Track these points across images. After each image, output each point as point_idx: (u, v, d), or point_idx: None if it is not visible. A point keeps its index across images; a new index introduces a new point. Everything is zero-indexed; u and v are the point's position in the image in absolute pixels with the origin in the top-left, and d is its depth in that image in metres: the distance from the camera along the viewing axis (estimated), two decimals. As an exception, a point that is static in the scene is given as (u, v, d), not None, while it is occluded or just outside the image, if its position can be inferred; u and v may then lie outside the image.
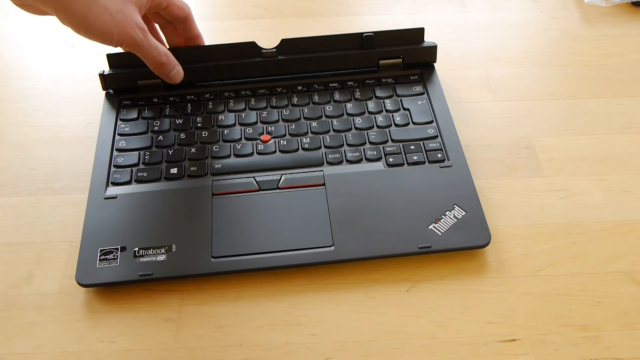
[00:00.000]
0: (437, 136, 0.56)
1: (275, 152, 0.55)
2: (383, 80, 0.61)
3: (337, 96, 0.59)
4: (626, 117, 0.60)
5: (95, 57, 0.66)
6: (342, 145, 0.55)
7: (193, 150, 0.55)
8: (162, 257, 0.48)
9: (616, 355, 0.44)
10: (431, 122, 0.57)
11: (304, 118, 0.58)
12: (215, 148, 0.55)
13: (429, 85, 0.60)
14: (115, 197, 0.52)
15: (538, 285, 0.48)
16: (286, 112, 0.58)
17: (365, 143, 0.55)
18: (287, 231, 0.49)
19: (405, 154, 0.54)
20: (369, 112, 0.58)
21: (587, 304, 0.46)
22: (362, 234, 0.49)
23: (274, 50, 0.60)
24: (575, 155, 0.56)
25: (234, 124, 0.57)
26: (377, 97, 0.59)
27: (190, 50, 0.59)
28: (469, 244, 0.48)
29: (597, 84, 0.63)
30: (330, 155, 0.54)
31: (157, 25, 0.59)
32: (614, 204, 0.53)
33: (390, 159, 0.54)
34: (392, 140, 0.55)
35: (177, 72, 0.56)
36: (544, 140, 0.58)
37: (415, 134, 0.56)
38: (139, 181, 0.53)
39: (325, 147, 0.55)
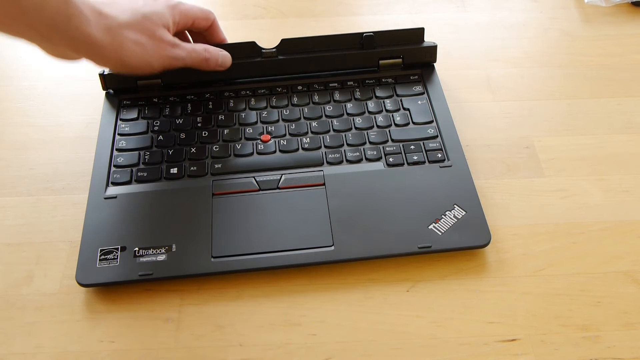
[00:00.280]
0: (437, 136, 0.56)
1: (275, 152, 0.55)
2: (383, 80, 0.61)
3: (337, 96, 0.59)
4: (626, 117, 0.60)
5: (95, 57, 0.66)
6: (342, 145, 0.55)
7: (193, 150, 0.55)
8: (162, 257, 0.48)
9: (616, 355, 0.44)
10: (431, 122, 0.57)
11: (304, 118, 0.58)
12: (215, 148, 0.55)
13: (429, 85, 0.60)
14: (115, 197, 0.52)
15: (538, 285, 0.48)
16: (286, 112, 0.58)
17: (365, 143, 0.55)
18: (287, 231, 0.49)
19: (405, 154, 0.54)
20: (369, 112, 0.58)
21: (587, 304, 0.46)
22: (362, 234, 0.49)
23: (274, 50, 0.60)
24: (575, 155, 0.56)
25: (234, 124, 0.57)
26: (377, 97, 0.59)
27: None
28: (469, 244, 0.48)
29: (597, 84, 0.63)
30: (330, 155, 0.54)
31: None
32: (614, 204, 0.53)
33: (390, 159, 0.54)
34: (392, 140, 0.55)
35: (223, 57, 0.57)
36: (544, 140, 0.58)
37: (415, 134, 0.56)
38: (139, 181, 0.53)
39: (325, 147, 0.55)
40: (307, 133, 0.56)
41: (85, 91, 0.63)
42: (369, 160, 0.54)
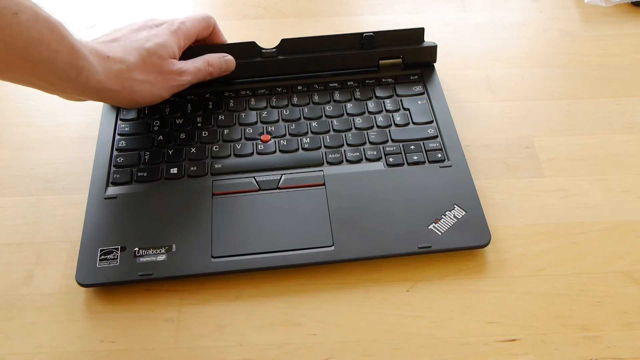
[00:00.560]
0: (437, 136, 0.56)
1: (275, 152, 0.55)
2: (383, 80, 0.61)
3: (337, 96, 0.59)
4: (626, 117, 0.60)
5: (95, 57, 0.66)
6: (342, 145, 0.55)
7: (193, 150, 0.55)
8: (162, 257, 0.48)
9: (616, 355, 0.44)
10: (431, 122, 0.57)
11: (304, 118, 0.58)
12: (215, 148, 0.55)
13: (429, 85, 0.60)
14: (115, 197, 0.52)
15: (538, 285, 0.48)
16: (286, 112, 0.58)
17: (365, 143, 0.55)
18: (287, 231, 0.49)
19: (405, 154, 0.54)
20: (369, 112, 0.58)
21: (587, 304, 0.46)
22: (362, 234, 0.49)
23: (274, 50, 0.60)
24: (575, 155, 0.56)
25: (234, 124, 0.57)
26: (377, 97, 0.59)
27: (189, 50, 0.59)
28: (469, 244, 0.48)
29: (597, 84, 0.63)
30: (330, 155, 0.54)
31: None
32: (614, 204, 0.53)
33: (390, 159, 0.54)
34: (392, 140, 0.55)
35: (227, 63, 0.58)
36: (544, 140, 0.58)
37: (415, 134, 0.56)
38: (139, 181, 0.53)
39: (325, 147, 0.55)
40: (307, 133, 0.56)
41: (85, 91, 0.63)
42: (369, 160, 0.54)
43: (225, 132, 0.57)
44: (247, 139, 0.56)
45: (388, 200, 0.51)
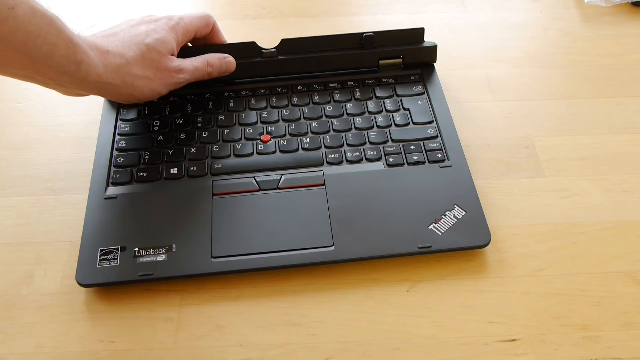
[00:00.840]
0: (437, 136, 0.56)
1: (275, 152, 0.55)
2: (383, 80, 0.61)
3: (337, 96, 0.59)
4: (626, 117, 0.60)
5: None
6: (342, 145, 0.55)
7: (193, 150, 0.55)
8: (162, 257, 0.48)
9: (616, 355, 0.44)
10: (431, 122, 0.57)
11: (304, 118, 0.58)
12: (215, 148, 0.55)
13: (429, 85, 0.60)
14: (115, 197, 0.52)
15: (538, 285, 0.48)
16: (286, 112, 0.58)
17: (365, 143, 0.55)
18: (287, 231, 0.49)
19: (405, 154, 0.54)
20: (369, 112, 0.58)
21: (587, 304, 0.46)
22: (362, 234, 0.49)
23: (274, 50, 0.60)
24: (575, 155, 0.56)
25: (234, 124, 0.57)
26: (377, 97, 0.59)
27: (189, 50, 0.59)
28: (469, 244, 0.48)
29: (597, 84, 0.63)
30: (330, 155, 0.54)
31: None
32: (614, 204, 0.53)
33: (390, 159, 0.54)
34: (392, 140, 0.55)
35: (227, 65, 0.58)
36: (544, 140, 0.58)
37: (415, 134, 0.56)
38: (139, 181, 0.53)
39: (325, 147, 0.55)
40: (307, 133, 0.56)
41: (85, 91, 0.63)
42: (369, 160, 0.54)
43: (225, 132, 0.57)
44: (247, 139, 0.56)
45: (388, 200, 0.51)
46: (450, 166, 0.53)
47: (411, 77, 0.61)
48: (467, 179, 0.52)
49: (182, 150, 0.55)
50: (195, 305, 0.47)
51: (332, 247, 0.48)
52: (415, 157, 0.54)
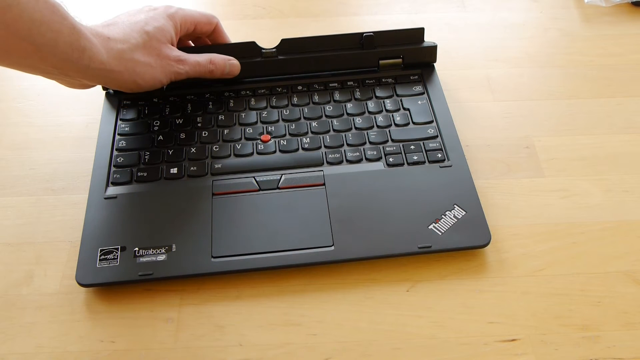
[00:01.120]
0: (437, 136, 0.56)
1: (275, 152, 0.55)
2: (383, 80, 0.61)
3: (337, 96, 0.59)
4: (626, 117, 0.60)
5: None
6: (342, 145, 0.55)
7: (193, 150, 0.55)
8: (162, 257, 0.48)
9: (616, 355, 0.44)
10: (431, 122, 0.57)
11: (304, 118, 0.58)
12: (215, 148, 0.55)
13: (429, 85, 0.60)
14: (115, 197, 0.52)
15: (538, 285, 0.48)
16: (286, 112, 0.58)
17: (365, 143, 0.55)
18: (287, 231, 0.49)
19: (405, 154, 0.54)
20: (369, 112, 0.58)
21: (587, 304, 0.46)
22: (362, 234, 0.49)
23: (274, 50, 0.60)
24: (575, 155, 0.56)
25: (234, 124, 0.57)
26: (377, 97, 0.59)
27: (189, 50, 0.59)
28: (469, 244, 0.48)
29: (597, 84, 0.63)
30: (330, 155, 0.54)
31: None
32: (614, 204, 0.53)
33: (390, 159, 0.54)
34: (392, 140, 0.55)
35: (231, 67, 0.58)
36: (544, 140, 0.58)
37: (415, 133, 0.56)
38: (139, 181, 0.53)
39: (325, 147, 0.55)
40: (307, 133, 0.56)
41: (85, 91, 0.63)
42: (369, 160, 0.54)
43: (225, 132, 0.57)
44: (247, 139, 0.56)
45: (388, 200, 0.51)
46: (450, 166, 0.53)
47: (411, 77, 0.61)
48: (467, 179, 0.52)
49: (182, 150, 0.55)
50: (195, 305, 0.47)
51: (332, 247, 0.48)
52: (415, 157, 0.54)
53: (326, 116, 0.58)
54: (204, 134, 0.56)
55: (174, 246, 0.48)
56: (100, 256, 0.48)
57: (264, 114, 0.58)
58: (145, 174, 0.53)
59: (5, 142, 0.59)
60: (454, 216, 0.50)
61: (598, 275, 0.48)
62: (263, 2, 0.73)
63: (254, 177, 0.53)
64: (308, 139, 0.56)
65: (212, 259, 0.48)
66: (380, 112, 0.58)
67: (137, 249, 0.48)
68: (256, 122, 0.57)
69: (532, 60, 0.66)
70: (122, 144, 0.56)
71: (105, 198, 0.52)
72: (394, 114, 0.58)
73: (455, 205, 0.50)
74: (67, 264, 0.49)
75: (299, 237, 0.49)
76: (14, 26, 0.42)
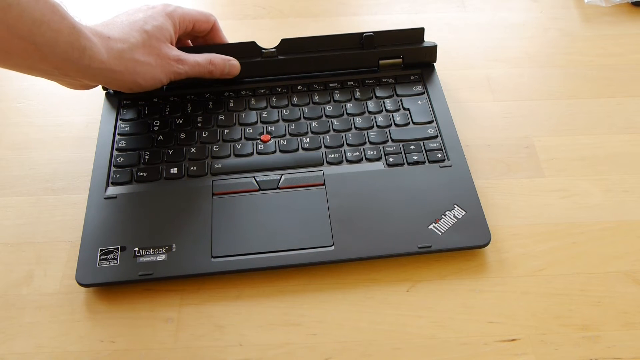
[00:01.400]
0: (437, 136, 0.56)
1: (275, 152, 0.55)
2: (383, 80, 0.61)
3: (337, 96, 0.59)
4: (626, 117, 0.60)
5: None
6: (342, 145, 0.55)
7: (193, 150, 0.55)
8: (162, 257, 0.48)
9: (616, 355, 0.44)
10: (431, 122, 0.57)
11: (304, 118, 0.58)
12: (215, 148, 0.55)
13: (429, 85, 0.60)
14: (115, 197, 0.52)
15: (538, 285, 0.48)
16: (286, 112, 0.58)
17: (365, 143, 0.55)
18: (287, 231, 0.49)
19: (405, 153, 0.54)
20: (369, 112, 0.58)
21: (587, 304, 0.46)
22: (362, 234, 0.49)
23: (274, 50, 0.60)
24: (575, 155, 0.56)
25: (234, 124, 0.57)
26: (377, 97, 0.59)
27: (189, 50, 0.59)
28: (469, 243, 0.48)
29: (597, 84, 0.63)
30: (330, 155, 0.54)
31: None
32: (614, 204, 0.53)
33: (390, 159, 0.54)
34: (392, 140, 0.55)
35: (231, 67, 0.58)
36: (544, 140, 0.58)
37: (415, 133, 0.56)
38: (139, 181, 0.53)
39: (325, 147, 0.55)
40: (307, 133, 0.56)
41: (85, 91, 0.63)
42: (369, 160, 0.54)
43: (225, 132, 0.57)
44: (247, 139, 0.56)
45: (388, 200, 0.51)
46: (450, 166, 0.53)
47: (411, 77, 0.61)
48: (467, 179, 0.52)
49: (182, 150, 0.55)
50: (195, 305, 0.47)
51: (332, 247, 0.48)
52: (415, 157, 0.54)
53: (326, 116, 0.58)
54: (204, 134, 0.56)
55: (174, 246, 0.48)
56: (100, 256, 0.48)
57: (264, 114, 0.58)
58: (145, 174, 0.53)
59: (5, 142, 0.59)
60: (454, 216, 0.50)
61: (598, 275, 0.48)
62: (263, 2, 0.73)
63: (254, 177, 0.53)
64: (308, 139, 0.56)
65: (212, 259, 0.48)
66: (380, 112, 0.58)
67: (137, 248, 0.48)
68: (256, 122, 0.57)
69: (532, 60, 0.66)
70: (122, 144, 0.56)
71: (105, 198, 0.52)
72: (394, 114, 0.58)
73: (455, 205, 0.50)
74: (67, 264, 0.50)
75: (299, 237, 0.49)
76: (14, 26, 0.42)
